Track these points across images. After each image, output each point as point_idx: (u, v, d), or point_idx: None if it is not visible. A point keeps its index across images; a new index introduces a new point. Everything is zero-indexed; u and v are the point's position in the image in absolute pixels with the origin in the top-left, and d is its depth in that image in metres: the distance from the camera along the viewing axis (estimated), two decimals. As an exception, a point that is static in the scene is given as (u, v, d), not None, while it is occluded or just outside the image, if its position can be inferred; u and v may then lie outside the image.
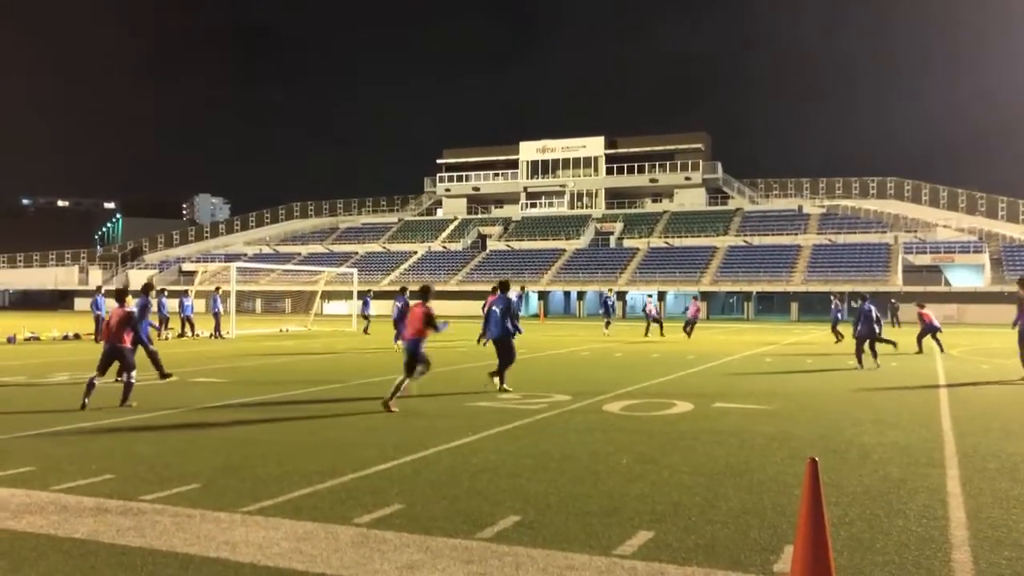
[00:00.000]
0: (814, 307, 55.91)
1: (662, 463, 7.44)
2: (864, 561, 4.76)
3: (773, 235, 65.12)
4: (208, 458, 7.64)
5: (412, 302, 12.22)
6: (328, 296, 54.58)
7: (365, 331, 31.61)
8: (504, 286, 13.44)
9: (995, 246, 57.73)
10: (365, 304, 33.21)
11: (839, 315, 28.13)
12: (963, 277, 55.60)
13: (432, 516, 5.67)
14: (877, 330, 17.37)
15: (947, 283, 54.53)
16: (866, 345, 17.30)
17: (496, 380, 12.98)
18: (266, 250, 79.06)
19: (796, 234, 64.70)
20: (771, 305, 58.25)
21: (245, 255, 76.38)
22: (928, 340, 22.67)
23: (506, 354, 13.06)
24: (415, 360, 10.97)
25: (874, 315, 17.34)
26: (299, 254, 76.10)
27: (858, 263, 57.81)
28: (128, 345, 11.28)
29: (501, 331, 13.10)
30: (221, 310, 29.82)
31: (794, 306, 55.89)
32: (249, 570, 4.60)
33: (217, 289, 31.03)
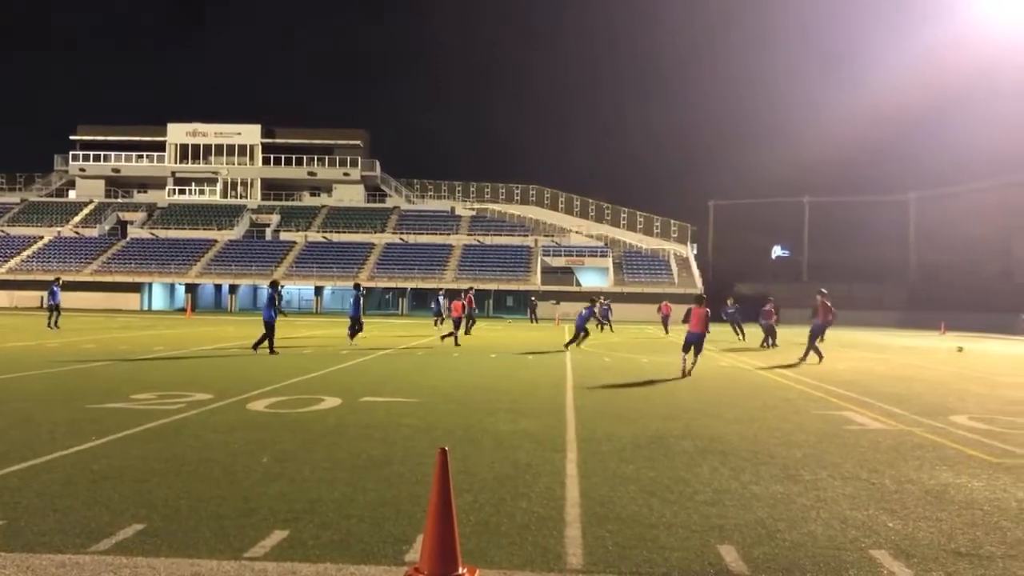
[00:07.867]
0: (465, 304, 58.84)
1: (304, 460, 7.33)
2: (489, 544, 5.06)
3: (428, 234, 67.52)
4: None
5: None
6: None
7: (53, 324, 27.63)
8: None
9: (618, 251, 65.03)
10: (53, 293, 29.05)
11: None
12: (591, 278, 61.86)
13: (39, 531, 5.07)
14: (593, 326, 25.68)
15: (578, 283, 60.33)
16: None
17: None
18: None
19: (449, 234, 67.71)
20: (425, 302, 60.28)
21: None
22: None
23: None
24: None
25: (589, 315, 24.78)
26: None
27: (503, 263, 61.91)
28: None
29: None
30: None
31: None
32: None
33: None
